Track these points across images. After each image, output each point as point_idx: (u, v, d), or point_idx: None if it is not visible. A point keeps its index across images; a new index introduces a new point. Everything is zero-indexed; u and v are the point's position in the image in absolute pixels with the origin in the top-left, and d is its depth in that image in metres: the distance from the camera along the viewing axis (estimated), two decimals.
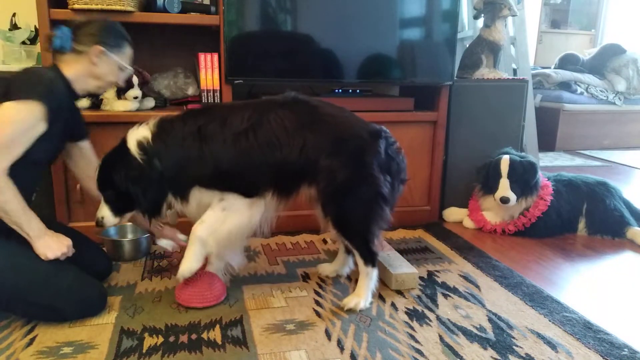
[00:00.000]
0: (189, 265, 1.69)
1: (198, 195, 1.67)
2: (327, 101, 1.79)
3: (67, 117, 1.65)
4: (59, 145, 1.72)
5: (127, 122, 2.16)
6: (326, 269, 2.01)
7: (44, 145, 1.57)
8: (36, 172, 1.71)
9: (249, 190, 1.68)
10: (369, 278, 1.75)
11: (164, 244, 1.98)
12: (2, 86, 1.51)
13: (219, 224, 1.68)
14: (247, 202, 1.68)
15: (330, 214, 1.70)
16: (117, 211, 1.70)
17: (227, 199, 1.68)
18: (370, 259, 1.74)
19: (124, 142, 1.67)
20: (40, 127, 1.51)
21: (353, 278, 1.96)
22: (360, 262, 1.75)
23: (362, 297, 1.74)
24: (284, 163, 1.65)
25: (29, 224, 1.52)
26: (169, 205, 1.72)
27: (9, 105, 1.46)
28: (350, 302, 1.73)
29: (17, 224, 1.51)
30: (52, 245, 1.56)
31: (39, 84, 1.51)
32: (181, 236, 1.98)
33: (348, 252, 1.94)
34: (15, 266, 1.55)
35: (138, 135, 1.66)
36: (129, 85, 2.23)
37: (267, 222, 1.82)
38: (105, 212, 1.70)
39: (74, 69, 1.64)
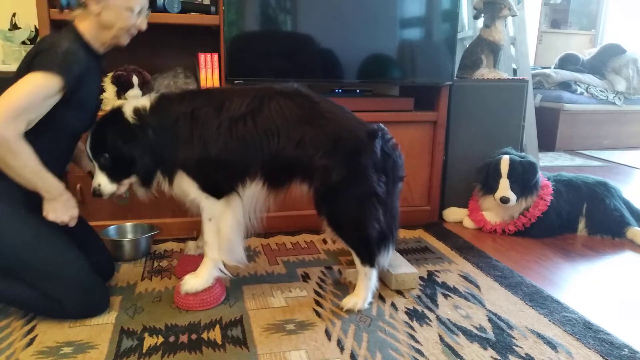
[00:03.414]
0: (200, 282, 1.71)
1: (180, 181, 1.68)
2: (328, 98, 1.78)
3: (96, 80, 1.69)
4: (93, 110, 1.75)
5: None
6: (351, 275, 1.93)
7: (79, 115, 1.63)
8: (74, 142, 1.73)
9: (221, 188, 1.69)
10: (367, 278, 1.74)
11: None
12: (28, 56, 1.53)
13: (217, 235, 1.72)
14: (222, 202, 1.70)
15: (324, 214, 1.70)
16: (114, 178, 1.69)
17: (205, 207, 1.70)
18: (368, 258, 1.72)
19: (118, 108, 1.69)
20: (56, 98, 1.50)
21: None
22: (357, 261, 1.74)
23: (360, 297, 1.73)
24: (279, 153, 1.64)
25: (45, 185, 1.54)
26: (158, 180, 1.72)
27: (29, 76, 1.47)
28: (348, 302, 1.73)
29: (34, 186, 1.52)
30: (57, 210, 1.58)
31: (57, 56, 1.49)
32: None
33: None
34: (34, 245, 1.57)
35: (137, 103, 1.68)
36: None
37: (257, 214, 1.81)
38: (101, 180, 1.68)
39: (86, 26, 1.60)
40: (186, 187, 1.69)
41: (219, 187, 1.69)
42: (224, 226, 1.71)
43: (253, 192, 1.72)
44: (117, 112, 1.68)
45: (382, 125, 1.76)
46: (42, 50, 1.51)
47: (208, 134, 1.63)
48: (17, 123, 1.42)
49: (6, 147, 1.41)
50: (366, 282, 1.74)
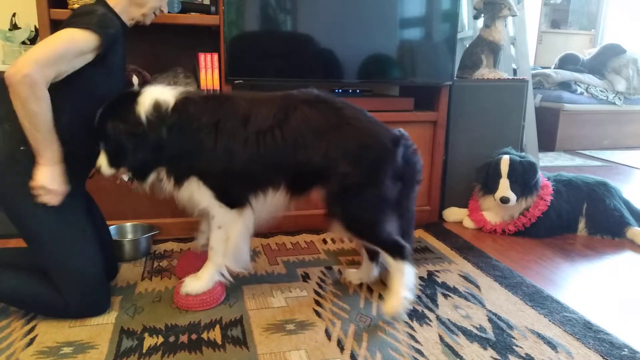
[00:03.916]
0: (201, 285, 1.71)
1: (193, 187, 1.65)
2: (348, 102, 1.74)
3: (123, 50, 1.72)
4: (121, 79, 1.78)
5: None
6: (351, 275, 1.95)
7: (108, 80, 1.65)
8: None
9: (238, 199, 1.67)
10: (401, 273, 1.65)
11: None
12: (64, 21, 1.57)
13: (225, 242, 1.71)
14: (235, 212, 1.68)
15: (338, 216, 1.65)
16: (113, 163, 1.66)
17: (216, 215, 1.68)
18: (396, 251, 1.65)
19: (135, 93, 1.64)
20: (89, 57, 1.54)
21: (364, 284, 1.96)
22: (388, 258, 1.67)
23: (397, 297, 1.64)
24: (306, 164, 1.62)
25: (51, 146, 1.52)
26: (159, 177, 1.69)
27: (67, 29, 1.51)
28: (387, 307, 1.65)
29: (36, 142, 1.49)
30: (53, 177, 1.54)
31: (94, 17, 1.54)
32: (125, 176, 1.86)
33: (372, 259, 1.90)
34: (62, 231, 1.59)
35: (160, 95, 1.63)
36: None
37: (276, 216, 1.81)
38: (102, 161, 1.66)
39: (117, 1, 1.65)
40: (198, 195, 1.66)
41: (235, 198, 1.67)
42: (233, 235, 1.70)
43: (275, 199, 1.70)
44: (132, 100, 1.62)
45: (402, 130, 1.72)
46: (78, 14, 1.57)
47: (234, 146, 1.60)
48: (48, 70, 1.43)
49: (32, 90, 1.41)
50: (401, 278, 1.65)
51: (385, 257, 1.70)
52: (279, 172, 1.65)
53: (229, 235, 1.71)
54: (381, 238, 1.67)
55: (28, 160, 1.54)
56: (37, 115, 1.44)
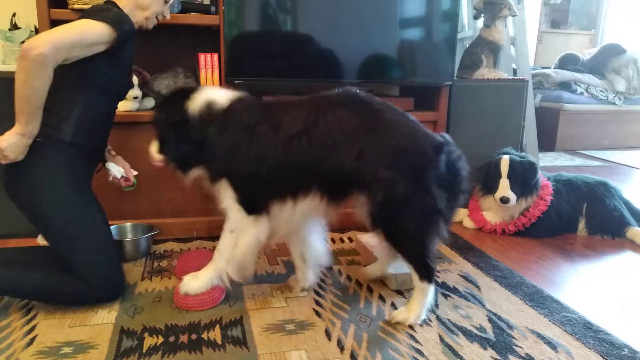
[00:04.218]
0: (199, 285, 1.71)
1: (222, 186, 1.65)
2: (389, 103, 1.66)
3: (131, 48, 1.78)
4: (127, 75, 1.84)
5: (127, 122, 2.17)
6: (369, 270, 1.93)
7: (115, 74, 1.72)
8: (105, 105, 1.78)
9: (259, 205, 1.65)
10: (423, 294, 1.65)
11: (112, 167, 1.94)
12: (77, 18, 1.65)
13: (233, 248, 1.69)
14: (251, 219, 1.66)
15: (382, 227, 1.61)
16: (161, 150, 1.71)
17: (232, 218, 1.67)
18: (426, 274, 1.63)
19: (191, 89, 1.69)
20: (101, 48, 1.60)
21: (363, 283, 1.96)
22: (414, 277, 1.64)
23: (413, 312, 1.65)
24: (337, 168, 1.57)
25: (29, 121, 1.54)
26: (200, 172, 1.71)
27: (87, 20, 1.58)
28: (399, 315, 1.65)
29: (23, 113, 1.51)
30: (17, 147, 1.55)
31: (109, 12, 1.62)
32: (133, 171, 2.01)
33: (389, 255, 1.85)
34: (83, 219, 1.66)
35: (215, 96, 1.65)
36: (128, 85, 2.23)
37: (321, 221, 1.83)
38: (153, 147, 1.72)
39: (124, 4, 1.72)
40: (223, 194, 1.66)
41: (257, 204, 1.65)
42: (242, 243, 1.68)
43: (307, 205, 1.64)
44: (186, 95, 1.67)
45: (446, 135, 1.67)
46: (94, 10, 1.64)
47: (264, 152, 1.58)
48: (61, 53, 1.50)
49: (41, 68, 1.46)
50: (422, 298, 1.65)
51: (412, 274, 1.66)
52: (308, 177, 1.60)
53: (238, 242, 1.68)
54: (421, 256, 1.62)
55: (38, 151, 1.59)
56: (36, 91, 1.49)
